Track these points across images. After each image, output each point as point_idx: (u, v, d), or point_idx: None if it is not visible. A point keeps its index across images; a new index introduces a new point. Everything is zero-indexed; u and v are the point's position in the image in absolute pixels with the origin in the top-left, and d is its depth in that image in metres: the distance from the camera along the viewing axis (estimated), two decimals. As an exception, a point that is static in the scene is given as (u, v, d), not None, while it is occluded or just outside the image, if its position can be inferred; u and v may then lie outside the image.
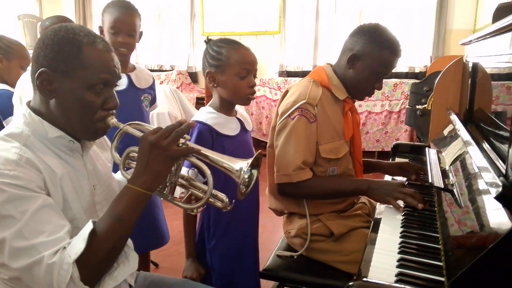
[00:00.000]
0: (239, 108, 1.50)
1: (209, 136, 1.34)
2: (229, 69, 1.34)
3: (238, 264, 1.44)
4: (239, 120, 1.45)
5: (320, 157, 1.48)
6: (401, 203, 1.35)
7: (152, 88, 1.91)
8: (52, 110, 0.96)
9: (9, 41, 2.16)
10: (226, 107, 1.41)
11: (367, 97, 1.60)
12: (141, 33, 1.80)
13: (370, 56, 1.46)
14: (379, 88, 1.54)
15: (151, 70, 6.04)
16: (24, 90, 1.83)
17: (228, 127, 1.39)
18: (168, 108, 3.57)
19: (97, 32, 1.09)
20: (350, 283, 0.85)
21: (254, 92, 1.39)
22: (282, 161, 1.46)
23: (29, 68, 2.05)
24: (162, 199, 1.06)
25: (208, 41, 1.42)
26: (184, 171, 1.09)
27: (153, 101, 1.94)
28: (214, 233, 1.42)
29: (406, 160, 2.01)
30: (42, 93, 0.95)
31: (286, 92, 1.56)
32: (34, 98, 0.99)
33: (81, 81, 0.94)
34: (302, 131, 1.44)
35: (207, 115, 1.38)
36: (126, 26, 1.70)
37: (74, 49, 0.93)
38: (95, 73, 0.94)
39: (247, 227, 1.48)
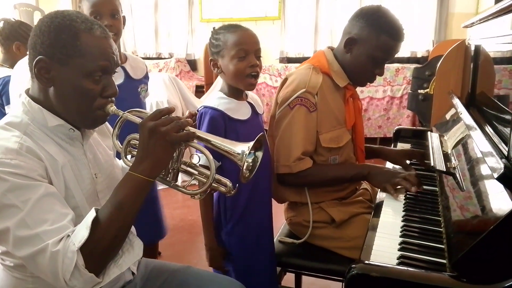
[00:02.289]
0: (249, 92, 1.47)
1: (221, 121, 1.32)
2: (227, 52, 1.32)
3: (256, 247, 1.43)
4: (250, 104, 1.43)
5: (321, 146, 1.47)
6: (401, 197, 1.33)
7: (147, 76, 1.86)
8: (51, 98, 0.95)
9: (28, 28, 2.13)
10: (235, 92, 1.39)
11: (368, 83, 1.57)
12: (124, 18, 1.71)
13: (367, 40, 1.42)
14: (380, 74, 1.49)
15: (150, 58, 6.01)
16: (20, 77, 1.82)
17: (240, 111, 1.38)
18: (167, 96, 3.55)
19: None
20: (353, 266, 0.85)
21: (256, 72, 1.34)
22: (282, 151, 1.45)
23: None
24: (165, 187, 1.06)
25: (213, 30, 1.40)
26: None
27: (146, 90, 1.89)
28: (231, 216, 1.41)
29: (408, 145, 2.01)
30: (40, 81, 0.94)
31: (286, 79, 1.53)
32: (33, 86, 0.98)
33: (79, 69, 0.92)
34: (302, 121, 1.42)
35: (218, 100, 1.36)
36: (107, 6, 1.59)
37: (71, 36, 0.92)
38: (93, 60, 0.93)
39: (264, 210, 1.47)
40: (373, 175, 1.43)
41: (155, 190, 1.88)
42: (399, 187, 1.38)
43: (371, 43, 1.42)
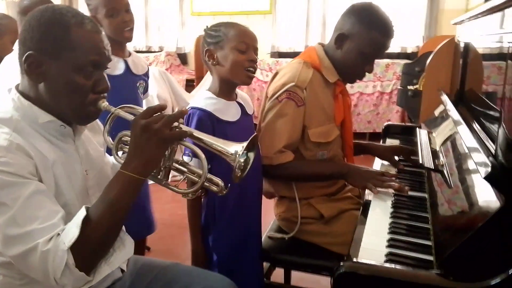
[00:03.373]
0: (239, 91, 1.47)
1: (209, 122, 1.30)
2: (227, 44, 1.32)
3: (243, 250, 1.43)
4: (240, 104, 1.42)
5: (310, 141, 1.47)
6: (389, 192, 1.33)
7: (146, 75, 1.89)
8: (41, 94, 0.94)
9: None
10: (226, 90, 1.38)
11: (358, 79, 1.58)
12: None
13: (358, 36, 1.43)
14: (370, 71, 1.50)
15: (140, 52, 5.94)
16: (8, 73, 1.78)
17: (229, 112, 1.36)
18: (157, 90, 3.52)
19: None
20: (341, 264, 0.85)
21: (255, 68, 1.35)
22: (265, 142, 1.45)
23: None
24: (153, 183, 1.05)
25: (206, 28, 1.40)
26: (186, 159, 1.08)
27: (146, 89, 1.93)
28: (219, 220, 1.40)
29: (397, 141, 2.02)
30: (30, 76, 0.93)
31: (276, 74, 1.54)
32: (23, 82, 0.97)
33: (69, 63, 0.91)
34: (289, 114, 1.42)
35: (206, 100, 1.35)
36: (122, 2, 1.65)
37: (61, 30, 0.91)
38: (84, 54, 0.92)
39: (253, 211, 1.46)
40: (351, 174, 1.44)
41: (145, 184, 1.88)
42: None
43: (362, 39, 1.43)
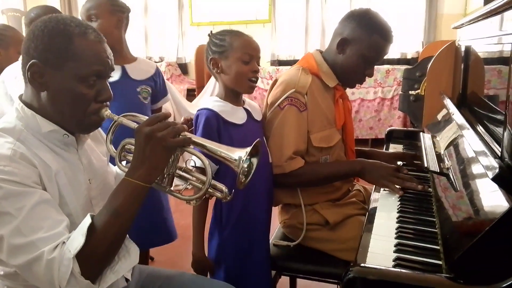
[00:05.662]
0: (247, 98, 1.48)
1: (215, 122, 1.32)
2: (232, 54, 1.34)
3: (250, 256, 1.41)
4: (246, 110, 1.43)
5: (312, 146, 1.47)
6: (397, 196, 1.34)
7: (153, 79, 1.86)
8: (44, 104, 0.94)
9: (1, 29, 2.08)
10: (232, 96, 1.40)
11: (359, 85, 1.58)
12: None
13: (360, 40, 1.44)
14: (370, 75, 1.51)
15: (141, 63, 5.96)
16: (8, 83, 1.79)
17: (235, 115, 1.38)
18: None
19: None
20: (350, 269, 0.84)
21: (257, 79, 1.38)
22: (273, 152, 1.45)
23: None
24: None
25: (211, 34, 1.41)
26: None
27: (159, 94, 1.90)
28: (226, 224, 1.39)
29: (400, 146, 2.02)
30: (34, 86, 0.93)
31: (275, 81, 1.54)
32: (26, 91, 0.97)
33: (72, 73, 0.92)
34: (293, 120, 1.43)
35: (213, 102, 1.37)
36: (97, 10, 1.71)
37: (64, 40, 0.91)
38: (87, 64, 0.92)
39: (259, 220, 1.45)
40: (367, 170, 1.44)
41: (164, 196, 1.87)
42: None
43: (363, 43, 1.44)
